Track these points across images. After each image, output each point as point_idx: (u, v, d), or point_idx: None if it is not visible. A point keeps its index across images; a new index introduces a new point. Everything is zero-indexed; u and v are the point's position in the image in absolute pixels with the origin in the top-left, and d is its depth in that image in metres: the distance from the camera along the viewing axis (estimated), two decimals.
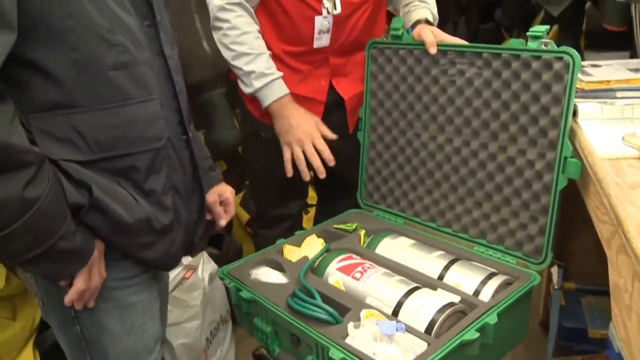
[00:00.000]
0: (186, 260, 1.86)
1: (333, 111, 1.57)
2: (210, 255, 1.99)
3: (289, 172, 1.53)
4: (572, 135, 1.25)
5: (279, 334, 1.27)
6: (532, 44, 1.28)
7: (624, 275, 0.93)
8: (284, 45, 1.53)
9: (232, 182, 2.33)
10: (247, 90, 1.51)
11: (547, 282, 2.00)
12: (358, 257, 1.39)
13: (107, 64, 0.95)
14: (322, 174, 1.49)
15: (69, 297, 0.99)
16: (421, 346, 1.08)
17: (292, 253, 1.46)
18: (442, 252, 1.40)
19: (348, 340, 1.10)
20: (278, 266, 1.40)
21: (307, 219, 2.29)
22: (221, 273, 1.39)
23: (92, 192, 0.95)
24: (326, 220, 1.64)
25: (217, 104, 2.09)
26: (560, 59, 1.23)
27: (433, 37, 1.43)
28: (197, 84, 2.03)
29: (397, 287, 1.25)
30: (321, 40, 1.51)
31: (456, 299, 1.21)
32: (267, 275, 1.38)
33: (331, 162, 1.50)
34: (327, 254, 1.41)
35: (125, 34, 0.97)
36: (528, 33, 1.28)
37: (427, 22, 1.53)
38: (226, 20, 1.46)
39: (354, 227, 1.56)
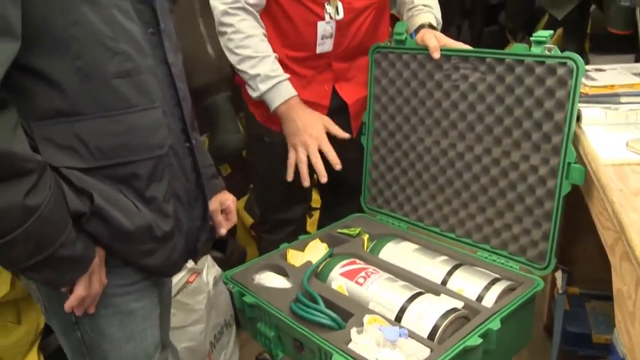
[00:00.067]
0: (190, 264, 1.86)
1: (336, 116, 1.57)
2: (214, 258, 1.99)
3: (290, 177, 1.52)
4: (576, 141, 1.25)
5: (283, 338, 1.27)
6: (535, 49, 1.28)
7: (627, 282, 0.92)
8: (287, 50, 1.53)
9: (236, 185, 2.35)
10: (253, 94, 1.50)
11: (551, 287, 1.99)
12: (361, 262, 1.39)
13: (110, 72, 0.95)
14: (323, 178, 1.47)
15: (69, 304, 0.99)
16: (424, 352, 1.08)
17: (295, 258, 1.46)
18: (445, 257, 1.40)
19: (351, 346, 1.10)
20: (281, 271, 1.41)
21: (311, 223, 2.30)
22: (225, 278, 1.40)
23: (93, 200, 0.95)
24: (330, 225, 1.64)
25: (221, 107, 2.09)
26: (564, 64, 1.22)
27: (436, 41, 1.43)
28: (202, 87, 2.04)
29: (400, 292, 1.25)
30: (324, 46, 1.51)
31: (459, 304, 1.21)
32: (270, 280, 1.38)
33: (337, 165, 1.48)
34: (331, 258, 1.42)
35: (129, 42, 0.97)
36: (532, 38, 1.28)
37: (431, 26, 1.53)
38: (230, 25, 1.46)
39: (357, 231, 1.56)
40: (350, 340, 1.11)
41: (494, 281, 1.28)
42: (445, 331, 1.13)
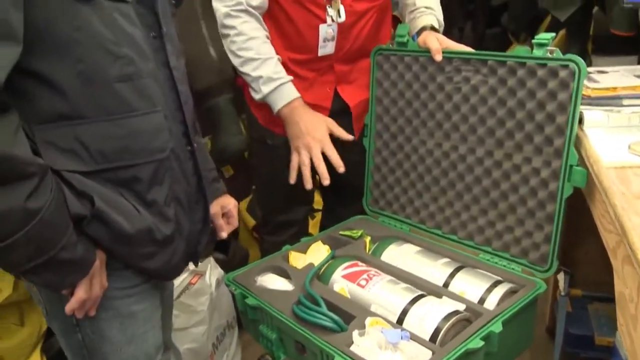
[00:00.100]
0: (193, 265, 1.87)
1: (338, 118, 1.57)
2: (217, 260, 1.99)
3: (293, 179, 1.52)
4: (578, 143, 1.25)
5: (284, 341, 1.27)
6: (537, 52, 1.28)
7: (629, 285, 0.92)
8: (290, 53, 1.53)
9: (238, 187, 2.36)
10: (256, 96, 1.49)
11: (553, 289, 1.99)
12: (363, 265, 1.39)
13: (111, 75, 0.95)
14: (326, 181, 1.47)
15: (70, 306, 0.99)
16: (426, 354, 1.08)
17: (297, 260, 1.46)
18: (447, 260, 1.40)
19: (353, 348, 1.10)
20: (284, 273, 1.41)
21: (314, 224, 2.30)
22: (227, 280, 1.40)
23: (94, 203, 0.95)
24: (332, 226, 1.64)
25: (223, 109, 2.09)
26: (566, 66, 1.22)
27: (438, 44, 1.43)
28: (204, 89, 2.04)
29: (402, 294, 1.25)
30: (326, 48, 1.51)
31: (461, 307, 1.21)
32: (272, 282, 1.38)
33: (340, 168, 1.48)
34: (333, 261, 1.42)
35: (131, 45, 0.98)
36: (533, 41, 1.28)
37: (433, 28, 1.52)
38: (232, 27, 1.47)
39: (359, 233, 1.56)
40: (352, 342, 1.11)
41: (495, 284, 1.28)
42: (447, 334, 1.13)
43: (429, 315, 1.17)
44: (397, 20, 1.73)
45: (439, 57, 1.43)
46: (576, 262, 1.87)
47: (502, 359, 1.20)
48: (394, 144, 1.61)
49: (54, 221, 0.89)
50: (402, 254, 1.45)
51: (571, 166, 1.23)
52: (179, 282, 1.77)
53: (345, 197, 1.77)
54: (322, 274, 1.39)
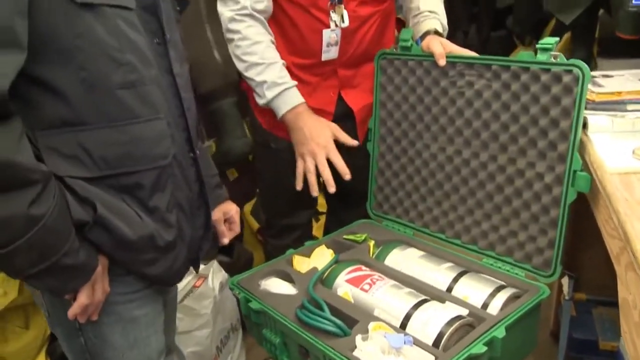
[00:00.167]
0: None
1: (342, 122, 1.57)
2: (221, 263, 2.00)
3: (299, 186, 1.51)
4: (582, 148, 1.25)
5: (288, 345, 1.28)
6: (541, 57, 1.27)
7: (632, 291, 0.92)
8: (293, 57, 1.53)
9: (243, 190, 2.36)
10: (260, 101, 1.49)
11: (557, 293, 1.98)
12: (367, 269, 1.39)
13: (114, 82, 0.96)
14: (332, 188, 1.46)
15: (72, 312, 1.00)
16: None
17: (301, 264, 1.47)
18: (451, 264, 1.40)
19: (356, 353, 1.10)
20: (287, 277, 1.41)
21: (318, 227, 2.30)
22: (231, 283, 1.40)
23: (96, 209, 0.96)
24: (336, 230, 1.65)
25: (227, 113, 2.10)
26: (570, 71, 1.22)
27: (442, 48, 1.43)
28: (208, 93, 2.05)
29: (405, 299, 1.25)
30: (329, 53, 1.51)
31: (464, 312, 1.21)
32: (276, 286, 1.38)
33: (347, 175, 1.46)
34: (337, 265, 1.42)
35: (134, 52, 0.98)
36: (537, 45, 1.28)
37: (437, 33, 1.52)
38: (237, 31, 1.47)
39: (363, 237, 1.56)
40: (355, 347, 1.11)
41: (499, 288, 1.28)
42: (450, 339, 1.13)
43: (432, 320, 1.17)
44: (402, 23, 1.73)
45: (442, 62, 1.43)
46: (580, 266, 1.87)
47: None
48: (397, 148, 1.61)
49: (56, 227, 0.89)
50: (405, 259, 1.45)
51: (575, 171, 1.23)
52: (182, 285, 1.77)
53: (349, 201, 1.77)
54: (325, 278, 1.39)
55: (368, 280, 1.32)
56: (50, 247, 0.89)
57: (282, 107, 1.47)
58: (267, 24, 1.50)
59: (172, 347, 1.35)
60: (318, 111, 1.54)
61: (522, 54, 1.32)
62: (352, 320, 1.20)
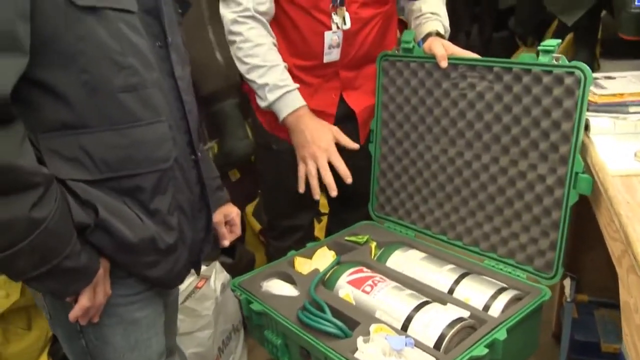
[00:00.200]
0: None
1: (344, 124, 1.57)
2: (223, 264, 2.00)
3: (301, 189, 1.51)
4: (584, 151, 1.24)
5: (289, 346, 1.28)
6: (543, 59, 1.27)
7: (634, 294, 0.92)
8: (295, 59, 1.53)
9: (245, 190, 2.37)
10: (262, 103, 1.49)
11: (559, 294, 1.98)
12: (368, 271, 1.40)
13: (116, 86, 0.96)
14: (333, 192, 1.46)
15: (74, 314, 1.00)
16: None
17: (303, 265, 1.47)
18: (452, 266, 1.40)
19: (357, 355, 1.10)
20: (289, 278, 1.41)
21: (320, 228, 2.30)
22: (233, 285, 1.41)
23: (98, 212, 0.96)
24: (338, 231, 1.65)
25: (229, 114, 2.10)
26: (572, 73, 1.22)
27: (444, 50, 1.43)
28: (210, 94, 2.05)
29: (407, 301, 1.25)
30: (331, 55, 1.51)
31: (466, 314, 1.21)
32: (278, 287, 1.39)
33: (348, 178, 1.46)
34: (338, 266, 1.42)
35: (136, 55, 0.98)
36: (539, 47, 1.28)
37: (439, 34, 1.52)
38: (239, 33, 1.46)
39: (365, 239, 1.56)
40: (357, 349, 1.12)
41: (500, 290, 1.28)
42: (451, 341, 1.13)
43: (434, 322, 1.17)
44: (404, 24, 1.73)
45: (444, 64, 1.43)
46: (582, 268, 1.87)
47: None
48: (399, 149, 1.61)
49: (58, 230, 0.89)
50: (407, 260, 1.45)
51: (577, 173, 1.23)
52: (184, 286, 1.78)
53: (351, 203, 1.77)
54: (327, 280, 1.39)
55: (369, 282, 1.32)
56: (52, 250, 0.89)
57: (284, 110, 1.47)
58: (269, 26, 1.50)
59: (173, 348, 1.35)
60: (319, 113, 1.54)
61: (523, 56, 1.32)
62: (353, 322, 1.20)
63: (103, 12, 0.93)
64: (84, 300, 0.98)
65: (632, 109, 1.30)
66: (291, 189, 1.54)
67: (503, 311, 1.23)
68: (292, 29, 1.50)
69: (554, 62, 1.26)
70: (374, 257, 1.51)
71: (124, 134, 0.98)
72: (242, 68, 1.49)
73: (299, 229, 1.79)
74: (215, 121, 2.11)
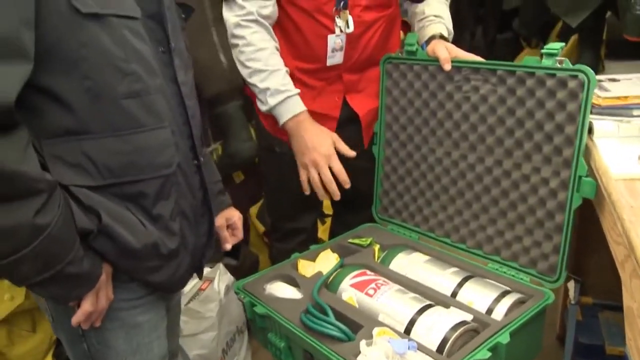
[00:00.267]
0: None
1: (347, 126, 1.58)
2: (227, 266, 2.00)
3: (307, 191, 1.52)
4: (588, 154, 1.24)
5: (293, 349, 1.28)
6: (546, 62, 1.27)
7: (637, 299, 0.92)
8: (298, 62, 1.53)
9: (249, 192, 2.37)
10: (263, 107, 1.50)
11: (564, 297, 1.97)
12: (372, 273, 1.39)
13: (119, 92, 0.96)
14: (336, 197, 1.47)
15: (76, 319, 1.00)
16: None
17: (306, 268, 1.47)
18: (456, 269, 1.40)
19: (360, 358, 1.10)
20: (292, 281, 1.41)
21: (324, 230, 2.30)
22: (236, 288, 1.41)
23: (101, 218, 0.96)
24: (342, 232, 1.65)
25: (233, 116, 2.11)
26: (575, 77, 1.22)
27: (447, 53, 1.43)
28: (214, 96, 2.06)
29: (410, 304, 1.25)
30: (334, 58, 1.51)
31: (469, 317, 1.20)
32: (281, 290, 1.39)
33: (347, 184, 1.48)
34: (341, 269, 1.42)
35: (139, 62, 0.98)
36: (543, 51, 1.28)
37: (442, 37, 1.52)
38: (242, 37, 1.47)
39: (368, 242, 1.56)
40: (360, 352, 1.11)
41: (504, 294, 1.28)
42: (454, 344, 1.13)
43: (437, 325, 1.17)
44: (408, 26, 1.73)
45: (448, 66, 1.43)
46: (587, 270, 1.86)
47: None
48: (403, 152, 1.61)
49: (61, 236, 0.90)
50: (410, 263, 1.45)
51: (580, 177, 1.23)
52: (188, 288, 1.78)
53: (354, 205, 1.77)
54: (330, 283, 1.39)
55: (373, 285, 1.32)
56: (55, 256, 0.90)
57: (284, 115, 1.48)
58: (272, 30, 1.50)
59: (176, 351, 1.36)
60: (323, 116, 1.55)
61: (527, 59, 1.32)
62: (356, 325, 1.20)
63: (107, 19, 0.93)
64: (86, 305, 0.99)
65: (636, 112, 1.30)
66: (294, 191, 1.54)
67: (506, 314, 1.22)
68: (295, 32, 1.50)
69: (558, 65, 1.25)
70: (377, 259, 1.51)
71: (126, 140, 0.98)
72: (244, 72, 1.49)
73: (302, 231, 1.79)
74: (219, 123, 2.12)
